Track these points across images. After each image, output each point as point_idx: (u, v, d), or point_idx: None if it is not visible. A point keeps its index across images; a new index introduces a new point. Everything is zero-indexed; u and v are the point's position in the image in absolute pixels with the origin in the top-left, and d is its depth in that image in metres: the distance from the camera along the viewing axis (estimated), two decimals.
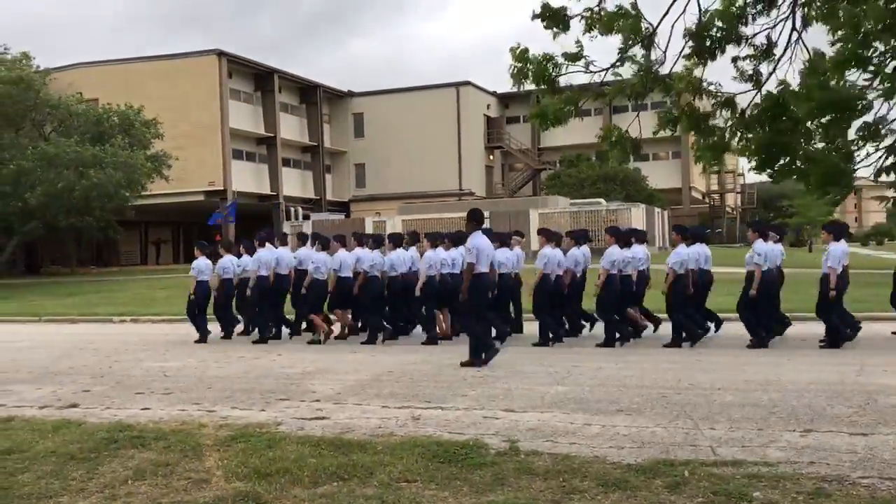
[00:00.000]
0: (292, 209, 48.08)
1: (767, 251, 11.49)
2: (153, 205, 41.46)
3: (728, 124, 7.19)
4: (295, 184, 52.82)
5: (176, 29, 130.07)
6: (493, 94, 59.03)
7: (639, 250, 12.57)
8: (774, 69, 6.97)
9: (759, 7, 6.72)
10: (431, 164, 53.96)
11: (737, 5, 6.68)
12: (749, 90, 7.11)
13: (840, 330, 11.26)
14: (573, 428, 6.70)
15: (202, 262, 13.98)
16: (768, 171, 7.61)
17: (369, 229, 39.75)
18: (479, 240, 10.05)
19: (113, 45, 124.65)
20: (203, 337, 13.92)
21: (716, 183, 64.14)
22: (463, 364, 10.08)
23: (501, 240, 13.25)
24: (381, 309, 13.34)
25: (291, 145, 52.68)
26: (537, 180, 58.38)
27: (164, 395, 8.85)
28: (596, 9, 6.55)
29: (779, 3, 6.69)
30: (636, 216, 36.17)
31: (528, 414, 7.27)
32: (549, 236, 12.41)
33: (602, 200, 41.13)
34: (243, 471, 5.62)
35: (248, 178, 48.36)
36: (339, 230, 39.85)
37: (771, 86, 7.20)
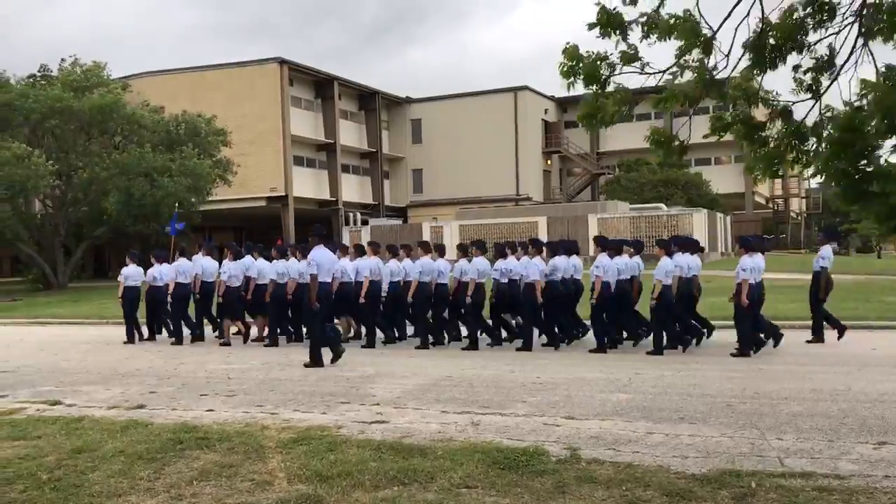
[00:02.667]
0: (351, 214, 48.61)
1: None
2: (217, 210, 42.27)
3: (782, 135, 6.95)
4: (354, 189, 53.34)
5: (242, 39, 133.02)
6: (552, 98, 58.73)
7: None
8: (835, 78, 6.74)
9: (819, 17, 6.50)
10: (489, 169, 53.89)
11: (794, 17, 6.47)
12: (807, 99, 6.88)
13: None
14: (636, 436, 6.59)
15: (131, 269, 15.25)
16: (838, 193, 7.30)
17: (426, 234, 39.96)
18: (319, 253, 11.28)
19: (182, 55, 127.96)
20: (131, 339, 15.15)
21: (780, 188, 62.63)
22: (306, 365, 11.11)
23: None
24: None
25: (350, 151, 53.21)
26: (596, 185, 57.85)
27: (228, 396, 9.00)
28: (653, 13, 6.41)
29: (840, 12, 6.47)
30: (698, 221, 35.53)
31: (590, 421, 7.18)
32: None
33: (662, 205, 40.53)
34: (305, 473, 5.67)
35: (308, 184, 49.03)
36: (396, 235, 40.27)
37: (829, 97, 6.96)
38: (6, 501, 5.27)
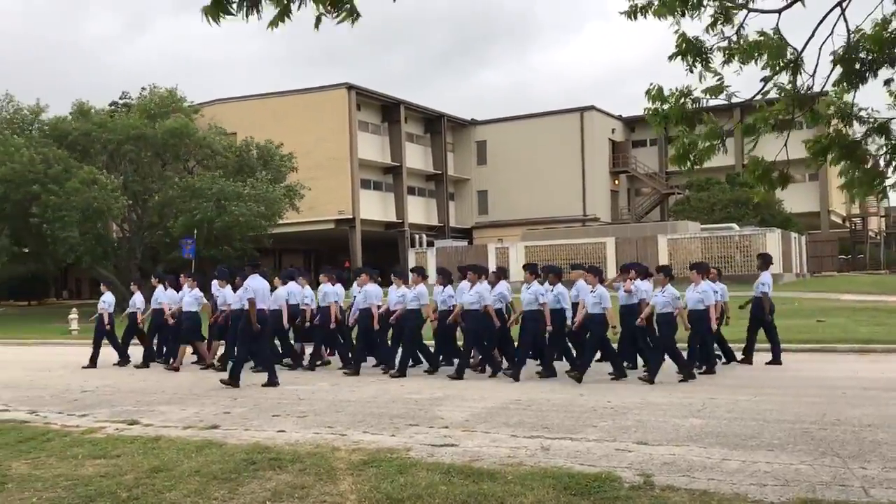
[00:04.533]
0: (417, 236, 48.95)
1: None
2: (287, 233, 43.13)
3: (882, 152, 6.69)
4: (420, 211, 53.75)
5: (312, 65, 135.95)
6: (619, 118, 58.28)
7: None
8: None
9: None
10: (555, 189, 53.67)
11: (889, 29, 6.25)
12: None
13: None
14: (711, 463, 6.44)
15: (109, 297, 15.84)
16: None
17: (492, 256, 39.91)
18: (255, 281, 12.17)
19: (253, 82, 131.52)
20: (93, 362, 15.40)
21: (857, 206, 60.61)
22: (224, 382, 11.90)
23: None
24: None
25: (416, 174, 53.70)
26: (665, 205, 56.99)
27: (299, 417, 9.13)
28: (734, 38, 6.29)
29: None
30: (771, 241, 34.61)
31: (663, 447, 7.04)
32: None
33: (734, 225, 39.61)
34: (376, 496, 5.71)
35: (375, 207, 49.64)
36: (462, 257, 40.33)
37: None
38: None
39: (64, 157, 32.74)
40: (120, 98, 46.93)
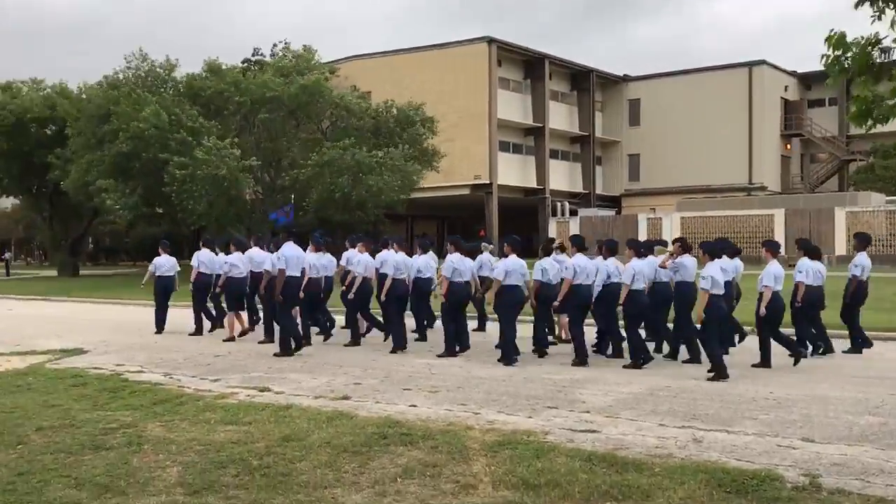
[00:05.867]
0: (559, 204, 48.57)
1: None
2: (419, 199, 43.72)
3: None
4: (562, 177, 53.31)
5: (452, 20, 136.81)
6: (793, 74, 55.42)
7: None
8: None
9: None
10: (716, 154, 51.76)
11: None
12: None
13: None
14: (890, 466, 6.14)
15: (162, 259, 16.54)
16: None
17: (642, 228, 39.17)
18: (289, 249, 12.99)
19: (391, 39, 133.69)
20: (159, 327, 16.23)
21: None
22: (276, 355, 12.54)
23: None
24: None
25: (560, 135, 53.20)
26: (844, 173, 53.93)
27: (431, 392, 9.37)
28: None
29: None
30: None
31: (832, 446, 6.77)
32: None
33: None
34: (511, 479, 5.80)
35: (513, 171, 49.60)
36: (609, 227, 39.79)
37: None
38: (221, 484, 5.83)
39: (195, 117, 34.23)
40: (252, 55, 48.78)
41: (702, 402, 8.69)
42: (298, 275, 13.10)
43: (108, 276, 44.69)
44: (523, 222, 50.07)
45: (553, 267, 12.79)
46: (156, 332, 16.19)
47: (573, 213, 46.91)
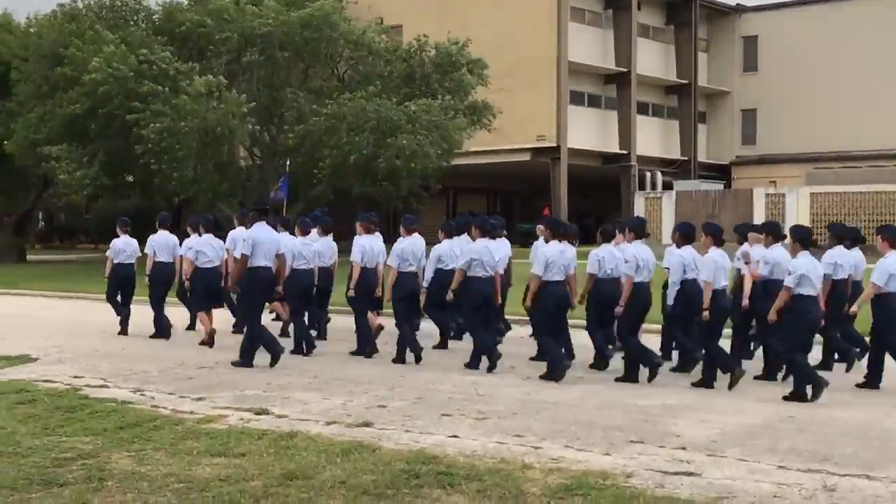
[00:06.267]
0: (648, 174, 48.28)
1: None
2: (465, 166, 43.62)
3: None
4: (653, 138, 52.92)
5: None
6: None
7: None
8: None
9: None
10: (861, 110, 50.82)
11: None
12: None
13: None
14: None
15: (121, 242, 17.05)
16: None
17: (759, 206, 38.70)
18: (259, 231, 13.00)
19: None
20: (123, 324, 16.82)
21: None
22: (234, 364, 12.90)
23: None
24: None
25: (651, 84, 52.78)
26: None
27: (478, 419, 9.39)
28: None
29: None
30: None
31: None
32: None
33: None
34: None
35: (589, 131, 49.30)
36: (714, 205, 39.40)
37: None
38: None
39: (170, 60, 33.88)
40: None
41: (836, 439, 8.63)
42: (268, 264, 13.18)
43: (63, 262, 45.31)
44: (601, 197, 49.85)
45: (613, 258, 12.75)
46: (119, 333, 16.62)
47: (667, 186, 46.58)
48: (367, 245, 14.33)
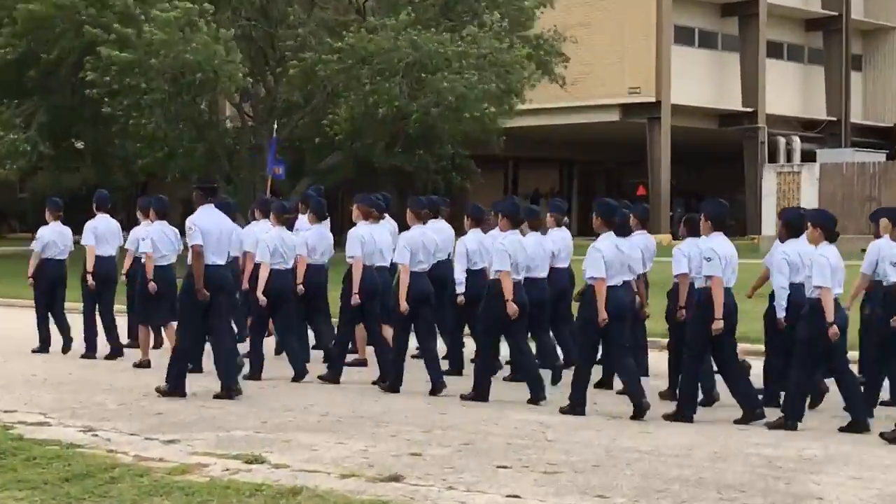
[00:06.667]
0: (781, 140, 47.96)
1: None
2: (528, 129, 43.52)
3: None
4: (788, 92, 52.62)
5: None
6: None
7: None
8: None
9: None
10: None
11: None
12: None
13: None
14: None
15: (49, 231, 17.18)
16: None
17: None
18: (205, 218, 13.36)
19: None
20: (44, 344, 17.30)
21: None
22: (160, 391, 13.20)
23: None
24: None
25: (786, 16, 52.49)
26: None
27: (546, 473, 9.38)
28: None
29: None
30: None
31: None
32: None
33: None
34: None
35: (700, 81, 49.08)
36: (874, 183, 38.96)
37: None
38: None
39: None
40: None
41: None
42: (218, 261, 13.36)
43: None
44: (716, 171, 49.61)
45: (697, 254, 12.79)
46: (36, 350, 17.11)
47: (808, 156, 46.18)
48: (368, 236, 14.45)
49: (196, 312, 13.33)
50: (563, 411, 12.39)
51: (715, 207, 12.76)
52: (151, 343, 16.21)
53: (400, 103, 34.04)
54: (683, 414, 12.10)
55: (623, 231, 13.00)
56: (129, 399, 13.04)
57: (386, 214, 15.72)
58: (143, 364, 15.44)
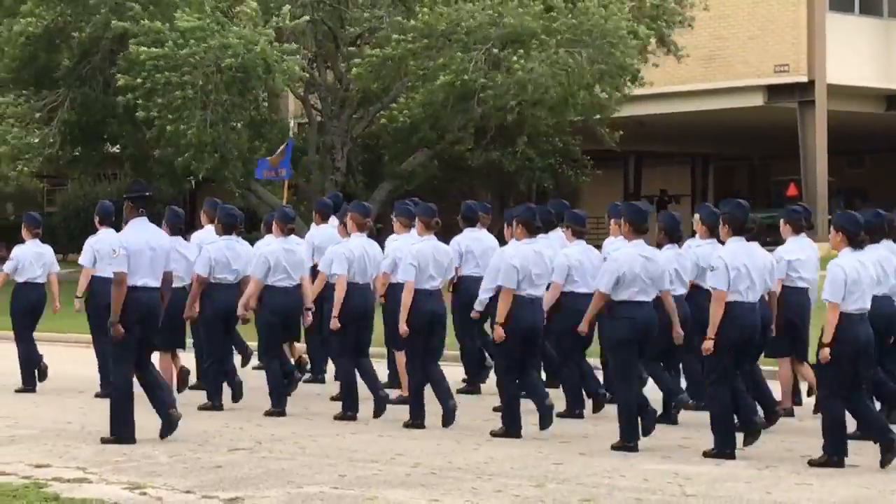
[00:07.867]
0: None
1: None
2: (649, 118, 43.43)
3: None
4: None
5: None
6: None
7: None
8: None
9: None
10: None
11: None
12: None
13: None
14: None
15: (26, 250, 17.64)
16: None
17: None
18: (134, 233, 13.54)
19: None
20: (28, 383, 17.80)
21: None
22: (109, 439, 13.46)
23: None
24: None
25: None
26: None
27: None
28: None
29: None
30: None
31: None
32: None
33: None
34: None
35: (861, 55, 48.60)
36: None
37: None
38: None
39: None
40: None
41: None
42: (150, 283, 13.61)
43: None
44: (882, 164, 49.18)
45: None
46: (21, 389, 17.64)
47: None
48: (359, 250, 14.77)
49: (129, 343, 13.56)
50: (706, 455, 12.46)
51: (734, 209, 13.08)
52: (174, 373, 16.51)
53: (481, 86, 34.20)
54: (722, 450, 12.45)
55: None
56: (182, 450, 13.14)
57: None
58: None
